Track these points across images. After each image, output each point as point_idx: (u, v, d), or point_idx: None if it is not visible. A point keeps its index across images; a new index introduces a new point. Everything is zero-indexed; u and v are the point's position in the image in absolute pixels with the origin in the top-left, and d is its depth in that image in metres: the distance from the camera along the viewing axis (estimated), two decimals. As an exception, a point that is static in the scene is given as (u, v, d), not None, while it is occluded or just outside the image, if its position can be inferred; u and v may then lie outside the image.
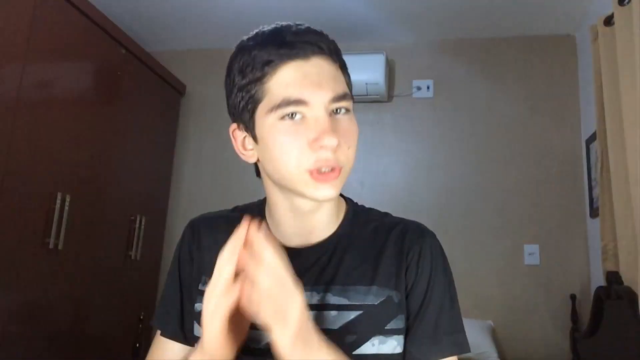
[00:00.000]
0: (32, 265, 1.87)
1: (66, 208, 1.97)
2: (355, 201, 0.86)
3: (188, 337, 0.81)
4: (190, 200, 2.94)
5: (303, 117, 0.69)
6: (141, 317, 2.31)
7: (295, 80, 0.69)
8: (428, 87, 2.85)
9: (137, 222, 2.52)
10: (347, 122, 0.72)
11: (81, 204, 2.08)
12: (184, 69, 3.05)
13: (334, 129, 0.69)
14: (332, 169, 0.69)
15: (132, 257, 2.47)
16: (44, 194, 1.92)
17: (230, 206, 0.89)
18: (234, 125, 0.77)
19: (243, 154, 0.78)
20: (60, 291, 2.03)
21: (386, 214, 0.85)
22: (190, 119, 3.06)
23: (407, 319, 0.76)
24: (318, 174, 0.69)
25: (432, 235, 0.81)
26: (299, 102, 0.68)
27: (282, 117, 0.69)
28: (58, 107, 2.02)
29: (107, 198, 2.32)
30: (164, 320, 0.83)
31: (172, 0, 2.58)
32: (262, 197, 0.85)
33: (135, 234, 2.50)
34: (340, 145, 0.69)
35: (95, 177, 2.24)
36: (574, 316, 2.37)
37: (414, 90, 2.86)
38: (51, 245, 1.91)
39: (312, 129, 0.68)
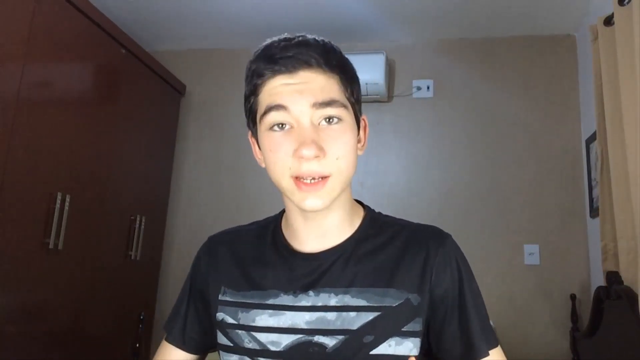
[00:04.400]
0: (32, 265, 1.86)
1: (66, 208, 1.97)
2: (372, 208, 0.88)
3: (188, 345, 0.86)
4: (190, 200, 2.93)
5: (291, 128, 0.72)
6: (141, 317, 2.30)
7: (279, 89, 0.72)
8: (428, 87, 2.85)
9: (137, 222, 2.51)
10: (337, 131, 0.73)
11: (81, 204, 2.08)
12: (184, 69, 3.05)
13: (320, 139, 0.70)
14: (320, 180, 0.71)
15: (132, 257, 2.47)
16: (44, 194, 1.91)
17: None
18: (250, 132, 0.82)
19: (258, 159, 0.82)
20: (60, 291, 2.03)
21: (401, 220, 0.87)
22: (190, 119, 3.06)
23: (439, 320, 0.77)
24: (303, 183, 0.71)
25: (451, 237, 0.84)
26: (279, 107, 0.71)
27: (272, 127, 0.72)
28: (58, 107, 2.02)
29: (107, 198, 2.32)
30: (170, 326, 0.89)
31: (172, 0, 2.58)
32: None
33: (135, 234, 2.50)
34: (327, 156, 0.70)
35: (95, 177, 2.24)
36: (574, 316, 2.37)
37: (414, 90, 2.86)
38: (51, 245, 1.91)
39: (296, 139, 0.70)
